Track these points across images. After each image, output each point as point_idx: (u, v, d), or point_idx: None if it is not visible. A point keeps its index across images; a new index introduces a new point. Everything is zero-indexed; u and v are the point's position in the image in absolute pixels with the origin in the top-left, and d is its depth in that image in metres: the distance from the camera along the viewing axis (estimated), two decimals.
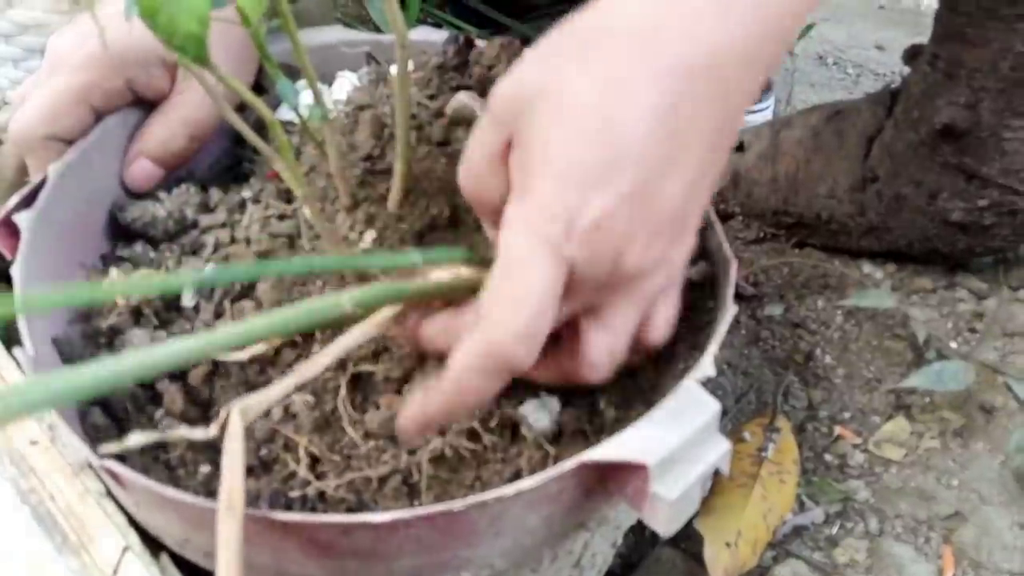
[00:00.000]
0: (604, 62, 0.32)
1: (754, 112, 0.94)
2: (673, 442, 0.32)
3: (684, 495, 0.32)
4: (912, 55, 0.64)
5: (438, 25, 1.00)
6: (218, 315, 0.42)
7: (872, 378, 0.66)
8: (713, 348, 0.38)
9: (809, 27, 0.98)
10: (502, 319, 0.31)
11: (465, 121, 0.50)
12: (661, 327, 0.37)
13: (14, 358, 0.41)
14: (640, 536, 0.56)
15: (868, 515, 0.57)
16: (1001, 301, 0.67)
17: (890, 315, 0.68)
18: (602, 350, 0.35)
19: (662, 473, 0.32)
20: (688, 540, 0.55)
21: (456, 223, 0.45)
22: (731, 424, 0.64)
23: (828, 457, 0.62)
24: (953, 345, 0.64)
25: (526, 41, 0.81)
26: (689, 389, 0.35)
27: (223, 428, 0.29)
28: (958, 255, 0.67)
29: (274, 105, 0.52)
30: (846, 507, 0.58)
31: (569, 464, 0.32)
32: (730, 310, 0.40)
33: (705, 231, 0.47)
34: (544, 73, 0.33)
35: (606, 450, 0.32)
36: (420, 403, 0.34)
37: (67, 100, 0.47)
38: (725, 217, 0.79)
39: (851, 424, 0.63)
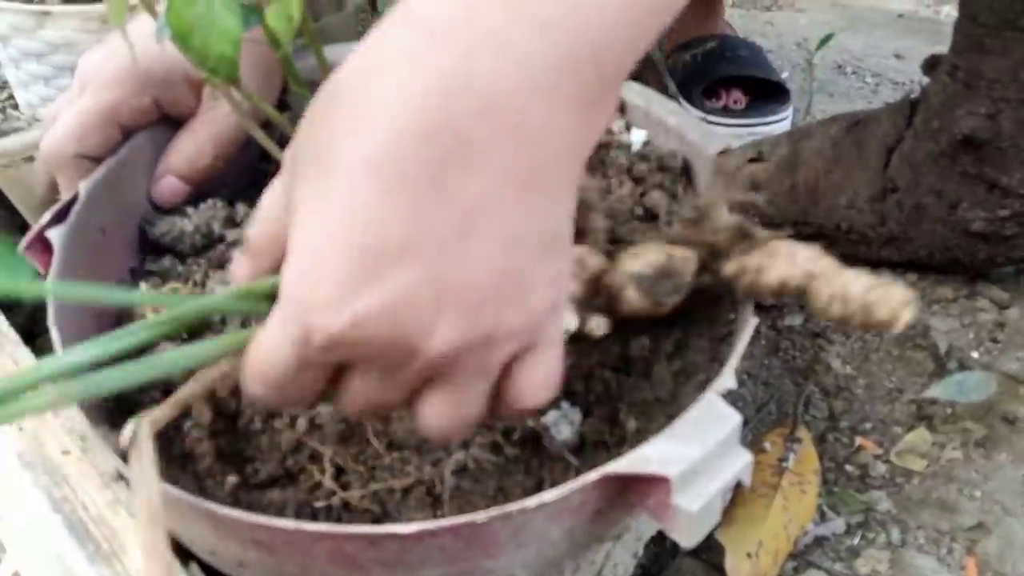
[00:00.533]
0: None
1: (772, 123, 0.95)
2: (695, 455, 0.33)
3: (706, 507, 0.33)
4: (931, 65, 0.64)
5: None
6: (244, 325, 0.43)
7: (893, 388, 0.65)
8: (734, 361, 0.38)
9: (828, 37, 0.98)
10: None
11: None
12: (527, 392, 0.31)
13: None
14: (661, 547, 0.56)
15: (890, 526, 0.57)
16: (1022, 310, 0.67)
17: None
18: (437, 420, 0.31)
19: (684, 486, 0.32)
20: (709, 551, 0.55)
21: None
22: (751, 434, 0.64)
23: (849, 467, 0.61)
24: (975, 355, 0.64)
25: None
26: (710, 402, 0.35)
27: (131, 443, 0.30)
28: (979, 265, 0.67)
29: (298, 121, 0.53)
30: (868, 518, 0.58)
31: (592, 476, 0.33)
32: (751, 322, 0.41)
33: None
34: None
35: (629, 463, 0.33)
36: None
37: (95, 119, 0.48)
38: None
39: (872, 435, 0.63)
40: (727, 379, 0.37)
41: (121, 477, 0.39)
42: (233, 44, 0.33)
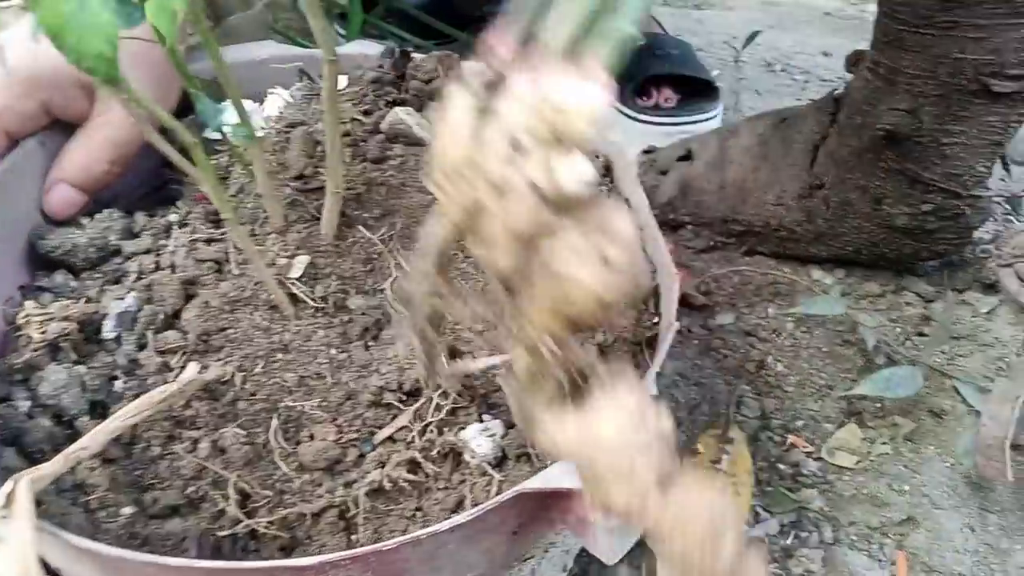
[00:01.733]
0: None
1: (702, 120, 0.94)
2: None
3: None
4: (854, 61, 0.64)
5: (382, 37, 0.98)
6: (141, 346, 0.40)
7: (824, 385, 0.65)
8: (654, 368, 0.37)
9: (754, 34, 0.98)
10: None
11: (402, 137, 0.48)
12: None
13: None
14: (593, 556, 0.55)
15: (822, 524, 0.57)
16: (947, 304, 0.67)
17: (840, 321, 0.68)
18: None
19: None
20: (644, 557, 0.54)
21: (400, 248, 0.44)
22: (685, 436, 0.63)
23: (782, 466, 0.61)
24: (902, 350, 0.64)
25: (466, 52, 0.80)
26: None
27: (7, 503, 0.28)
28: (905, 260, 0.67)
29: (203, 124, 0.51)
30: (800, 516, 0.58)
31: (507, 495, 0.31)
32: (673, 327, 0.39)
33: (648, 246, 0.46)
34: None
35: (545, 478, 0.31)
36: None
37: None
38: (675, 227, 0.79)
39: (804, 432, 0.63)
40: (648, 387, 0.35)
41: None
42: (110, 42, 0.30)
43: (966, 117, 0.55)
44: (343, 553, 0.29)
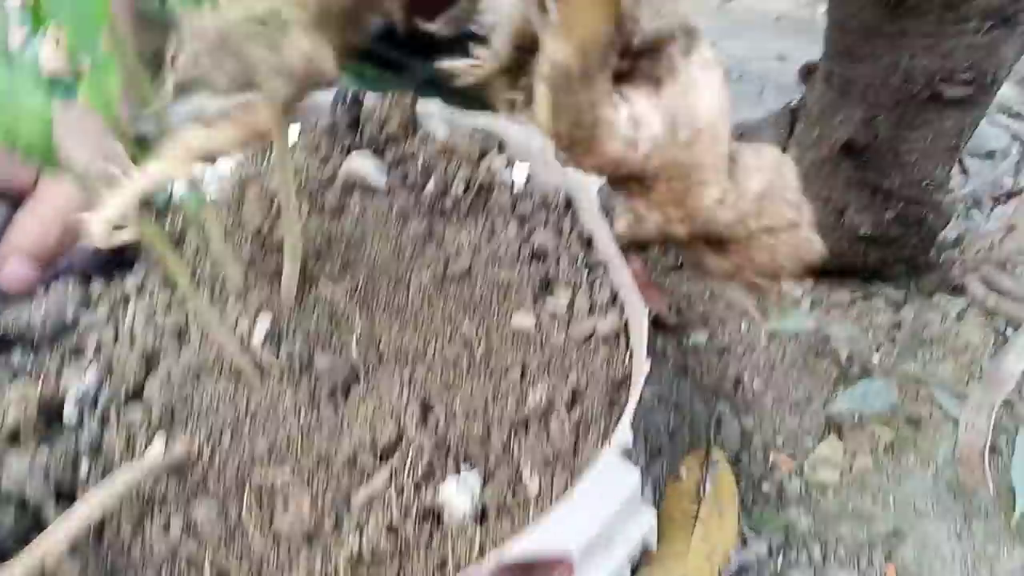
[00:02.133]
0: None
1: None
2: (595, 527, 0.31)
3: None
4: (807, 73, 0.64)
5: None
6: (104, 425, 0.39)
7: (802, 399, 0.65)
8: (629, 412, 0.36)
9: None
10: None
11: (360, 185, 0.48)
12: None
13: None
14: None
15: (810, 543, 0.57)
16: (916, 308, 0.67)
17: (812, 334, 0.68)
18: None
19: (587, 559, 0.30)
20: None
21: (363, 302, 0.43)
22: (667, 461, 0.63)
23: (766, 486, 0.61)
24: (875, 358, 0.64)
25: (426, 86, 0.80)
26: (608, 463, 0.33)
27: None
28: (871, 267, 0.67)
29: None
30: (788, 536, 0.57)
31: (487, 567, 0.30)
32: (644, 366, 0.39)
33: (613, 278, 0.46)
34: None
35: (527, 545, 0.31)
36: None
37: None
38: (643, 246, 0.78)
39: (785, 448, 0.63)
40: (623, 435, 0.35)
41: None
42: (44, 123, 0.29)
43: (921, 124, 0.56)
44: None
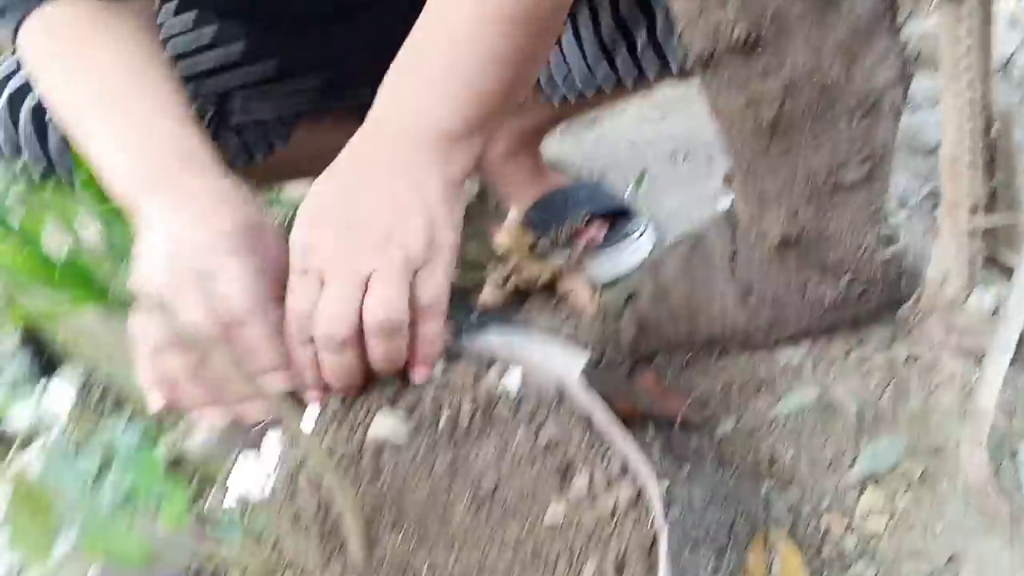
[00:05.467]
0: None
1: (634, 239, 1.03)
2: None
3: None
4: (728, 182, 0.72)
5: None
6: None
7: (833, 458, 0.71)
8: (663, 568, 0.43)
9: (641, 176, 1.07)
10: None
11: (388, 444, 0.56)
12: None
13: None
14: None
15: None
16: (907, 343, 0.73)
17: (821, 397, 0.74)
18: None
19: None
20: None
21: (420, 542, 0.51)
22: (735, 555, 0.68)
23: (826, 550, 0.66)
24: (883, 403, 0.70)
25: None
26: None
27: None
28: (853, 322, 0.74)
29: None
30: None
31: None
32: (664, 530, 0.46)
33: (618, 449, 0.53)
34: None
35: None
36: None
37: None
38: (649, 358, 0.86)
39: (834, 509, 0.68)
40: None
41: None
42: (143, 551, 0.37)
43: (837, 206, 0.63)
44: None
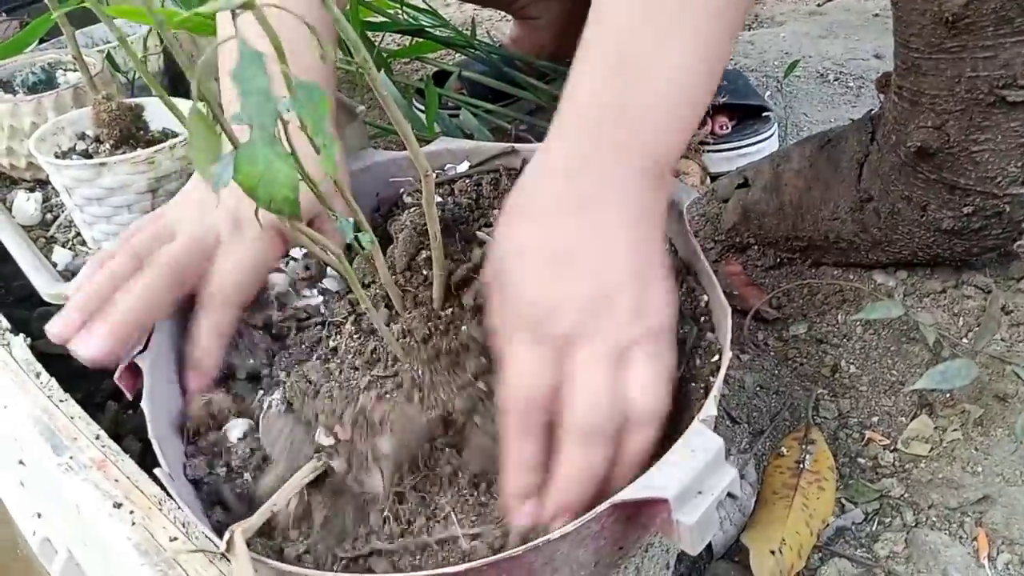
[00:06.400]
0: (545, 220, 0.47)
1: (759, 142, 1.01)
2: (686, 478, 0.39)
3: (703, 519, 0.39)
4: (883, 84, 0.70)
5: (456, 107, 1.09)
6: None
7: (895, 382, 0.71)
8: (715, 391, 0.45)
9: (794, 64, 1.04)
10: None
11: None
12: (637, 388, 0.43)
13: (153, 476, 0.49)
14: (698, 555, 0.63)
15: (904, 509, 0.63)
16: (993, 297, 0.72)
17: (904, 321, 0.73)
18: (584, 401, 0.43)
19: (681, 503, 0.39)
20: (741, 553, 0.61)
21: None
22: (769, 442, 0.70)
23: (861, 460, 0.67)
24: (964, 342, 0.69)
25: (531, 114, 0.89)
26: (696, 430, 0.42)
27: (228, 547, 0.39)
28: (957, 258, 0.72)
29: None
30: (882, 504, 0.63)
31: (604, 506, 0.39)
32: (727, 355, 0.47)
33: (701, 292, 0.54)
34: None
35: (633, 490, 0.40)
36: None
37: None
38: (742, 248, 0.86)
39: (880, 427, 0.69)
40: (709, 408, 0.43)
41: (223, 556, 0.47)
42: (293, 188, 0.39)
43: (989, 126, 0.61)
44: (484, 560, 0.38)
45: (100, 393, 0.77)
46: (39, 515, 0.60)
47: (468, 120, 1.02)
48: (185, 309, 0.56)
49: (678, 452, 0.41)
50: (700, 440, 0.41)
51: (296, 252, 0.61)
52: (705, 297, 0.54)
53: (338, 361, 0.52)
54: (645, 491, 0.39)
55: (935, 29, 0.59)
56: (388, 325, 0.51)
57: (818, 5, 1.40)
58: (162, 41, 0.99)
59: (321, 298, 0.59)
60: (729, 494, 0.41)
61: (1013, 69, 0.58)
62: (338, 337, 0.54)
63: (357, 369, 0.51)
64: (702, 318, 0.54)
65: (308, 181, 0.43)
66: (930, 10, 0.58)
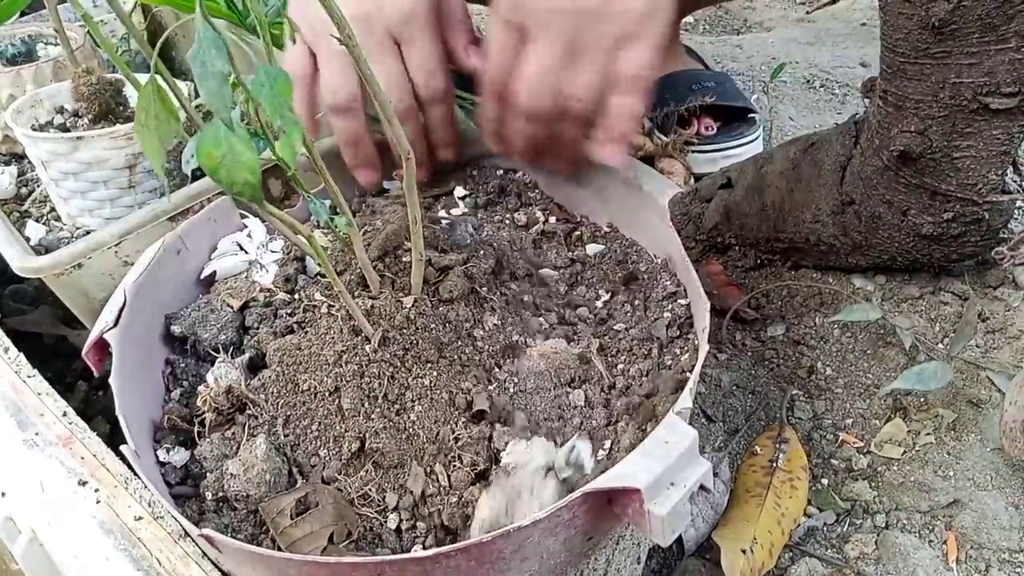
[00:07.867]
0: None
1: (743, 144, 1.01)
2: (659, 468, 0.39)
3: (674, 511, 0.39)
4: (868, 88, 0.70)
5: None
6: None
7: (870, 385, 0.71)
8: (691, 384, 0.44)
9: (780, 67, 1.04)
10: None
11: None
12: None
13: (120, 455, 0.48)
14: (669, 551, 0.63)
15: (875, 511, 0.63)
16: (970, 303, 0.72)
17: (881, 325, 0.73)
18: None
19: (653, 494, 0.39)
20: (712, 551, 0.61)
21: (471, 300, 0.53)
22: (744, 441, 0.70)
23: (835, 462, 0.67)
24: (939, 347, 0.70)
25: None
26: (671, 422, 0.42)
27: None
28: (936, 264, 0.73)
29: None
30: (854, 506, 0.64)
31: (576, 494, 0.39)
32: (703, 347, 0.47)
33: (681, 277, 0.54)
34: None
35: (606, 479, 0.39)
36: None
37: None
38: (723, 249, 0.86)
39: (853, 429, 0.69)
40: (684, 400, 0.43)
41: (187, 535, 0.46)
42: (254, 173, 0.39)
43: (971, 133, 0.61)
44: (454, 545, 0.38)
45: (72, 373, 0.76)
46: (3, 494, 0.59)
47: (455, 112, 1.02)
48: (157, 286, 0.55)
49: (652, 443, 0.41)
50: (674, 432, 0.41)
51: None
52: (684, 289, 0.54)
53: (309, 339, 0.52)
54: (617, 480, 0.39)
55: (921, 34, 0.59)
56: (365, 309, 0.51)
57: (807, 12, 1.40)
58: (146, 18, 0.98)
59: (300, 279, 0.58)
60: (702, 487, 0.40)
61: (996, 76, 0.58)
62: (313, 315, 0.54)
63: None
64: (680, 316, 0.54)
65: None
66: (917, 15, 0.58)
